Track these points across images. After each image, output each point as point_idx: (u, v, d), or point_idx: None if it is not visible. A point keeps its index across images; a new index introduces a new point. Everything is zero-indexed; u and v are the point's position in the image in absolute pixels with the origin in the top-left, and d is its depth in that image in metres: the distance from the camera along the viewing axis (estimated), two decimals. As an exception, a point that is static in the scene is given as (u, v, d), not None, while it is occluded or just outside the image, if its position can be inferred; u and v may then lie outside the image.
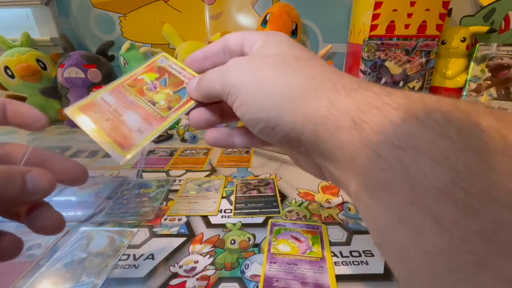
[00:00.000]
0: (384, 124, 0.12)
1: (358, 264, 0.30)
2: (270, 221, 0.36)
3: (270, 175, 0.47)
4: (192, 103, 0.22)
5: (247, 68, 0.17)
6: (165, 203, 0.40)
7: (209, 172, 0.49)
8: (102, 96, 0.21)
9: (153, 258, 0.31)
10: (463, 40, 0.63)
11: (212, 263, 0.30)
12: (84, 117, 0.20)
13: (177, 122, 0.64)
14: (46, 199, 0.18)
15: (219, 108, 0.22)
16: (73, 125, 0.73)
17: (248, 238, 0.33)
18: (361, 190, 0.13)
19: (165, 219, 0.37)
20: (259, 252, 0.31)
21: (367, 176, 0.12)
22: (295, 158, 0.20)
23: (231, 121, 0.23)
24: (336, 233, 0.34)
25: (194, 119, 0.21)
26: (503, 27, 0.69)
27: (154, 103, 0.21)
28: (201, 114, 0.21)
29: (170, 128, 0.64)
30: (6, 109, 0.19)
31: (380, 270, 0.29)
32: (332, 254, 0.31)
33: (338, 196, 0.41)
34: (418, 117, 0.11)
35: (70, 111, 0.20)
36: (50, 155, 0.19)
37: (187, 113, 0.21)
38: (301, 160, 0.19)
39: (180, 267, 0.30)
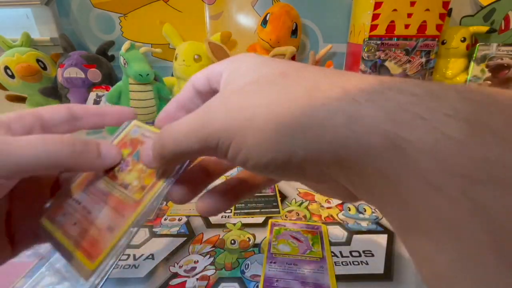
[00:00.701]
0: (439, 142, 0.08)
1: (358, 264, 0.30)
2: (270, 221, 0.36)
3: (270, 175, 0.47)
4: (166, 179, 0.17)
5: (227, 108, 0.13)
6: (165, 203, 0.40)
7: (209, 172, 0.49)
8: (73, 192, 0.18)
9: (153, 258, 0.31)
10: (463, 40, 0.63)
11: (212, 263, 0.30)
12: (53, 225, 0.18)
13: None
14: None
15: (202, 168, 0.19)
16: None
17: (248, 238, 0.33)
18: (411, 228, 0.10)
19: (165, 219, 0.37)
20: (259, 252, 0.31)
21: (420, 213, 0.09)
22: (319, 190, 0.17)
23: (222, 175, 0.19)
24: (336, 233, 0.34)
25: (200, 210, 0.18)
26: (503, 27, 0.69)
27: (126, 186, 0.17)
28: (207, 203, 0.18)
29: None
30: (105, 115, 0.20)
31: (380, 270, 0.29)
32: (332, 254, 0.31)
33: (338, 196, 0.41)
34: (495, 130, 0.08)
35: (43, 223, 0.18)
36: (106, 109, 0.21)
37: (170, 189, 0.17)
38: (328, 191, 0.16)
39: (180, 267, 0.30)
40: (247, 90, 0.13)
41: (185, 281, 0.28)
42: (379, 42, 0.58)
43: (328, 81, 0.12)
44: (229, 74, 0.15)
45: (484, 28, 0.65)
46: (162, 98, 0.72)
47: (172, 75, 0.77)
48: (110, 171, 0.18)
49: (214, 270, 0.29)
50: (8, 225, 0.19)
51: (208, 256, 0.31)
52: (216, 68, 0.16)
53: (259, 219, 0.37)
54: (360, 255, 0.31)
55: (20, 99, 0.74)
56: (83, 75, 0.68)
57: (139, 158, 0.18)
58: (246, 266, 0.30)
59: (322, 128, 0.11)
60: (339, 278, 0.28)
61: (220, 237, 0.34)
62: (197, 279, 0.28)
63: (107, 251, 0.16)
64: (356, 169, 0.11)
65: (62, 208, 0.18)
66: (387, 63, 0.59)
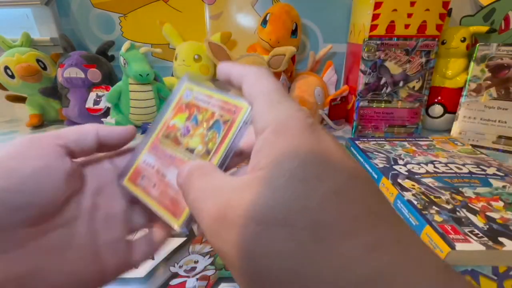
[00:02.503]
0: None
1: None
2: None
3: (270, 175, 0.47)
4: (232, 135, 0.17)
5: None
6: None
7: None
8: (144, 158, 0.20)
9: (153, 258, 0.31)
10: (463, 40, 0.63)
11: (212, 263, 0.30)
12: (136, 187, 0.19)
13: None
14: None
15: None
16: (73, 125, 0.73)
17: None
18: None
19: (165, 219, 0.37)
20: (259, 252, 0.31)
21: None
22: None
23: None
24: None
25: None
26: (503, 27, 0.69)
27: (192, 151, 0.18)
28: None
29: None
30: (99, 134, 0.19)
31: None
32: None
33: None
34: None
35: (125, 185, 0.20)
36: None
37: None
38: None
39: (180, 267, 0.30)
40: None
41: (185, 281, 0.28)
42: (379, 42, 0.58)
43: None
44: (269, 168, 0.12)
45: (484, 28, 0.65)
46: (162, 98, 0.72)
47: (172, 75, 0.78)
48: (173, 137, 0.19)
49: (214, 270, 0.29)
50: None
51: (208, 256, 0.31)
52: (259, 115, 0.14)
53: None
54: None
55: (20, 99, 0.74)
56: (83, 75, 0.68)
57: (197, 122, 0.19)
58: (246, 266, 0.30)
59: None
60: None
61: (220, 237, 0.34)
62: (197, 279, 0.28)
63: (188, 210, 0.17)
64: None
65: (139, 172, 0.19)
66: (387, 63, 0.59)
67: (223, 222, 0.12)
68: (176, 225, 0.17)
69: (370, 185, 0.12)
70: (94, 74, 0.69)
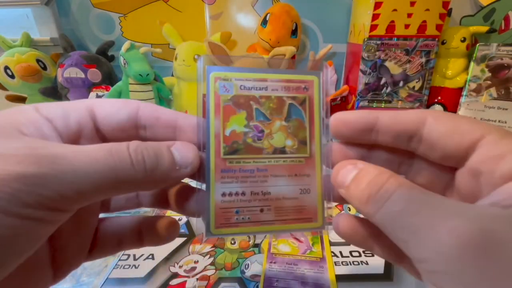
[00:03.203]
0: None
1: (358, 264, 0.30)
2: (270, 221, 0.36)
3: (270, 175, 0.47)
4: (318, 114, 0.15)
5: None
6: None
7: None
8: (219, 192, 0.16)
9: (153, 258, 0.31)
10: (463, 40, 0.63)
11: (212, 263, 0.30)
12: (234, 228, 0.16)
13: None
14: None
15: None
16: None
17: (248, 238, 0.33)
18: None
19: (165, 219, 0.37)
20: (259, 252, 0.31)
21: None
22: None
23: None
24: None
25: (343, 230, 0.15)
26: (503, 27, 0.69)
27: (282, 151, 0.16)
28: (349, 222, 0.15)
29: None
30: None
31: (380, 270, 0.29)
32: (332, 254, 0.31)
33: (338, 196, 0.41)
34: None
35: (218, 234, 0.16)
36: (180, 122, 0.16)
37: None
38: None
39: (180, 267, 0.30)
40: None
41: (185, 281, 0.28)
42: (379, 42, 0.58)
43: None
44: None
45: (484, 28, 0.65)
46: (162, 98, 0.72)
47: (172, 75, 0.77)
48: (244, 147, 0.16)
49: (214, 270, 0.29)
50: (53, 248, 0.15)
51: (208, 256, 0.31)
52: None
53: (259, 219, 0.37)
54: (360, 255, 0.31)
55: (20, 99, 0.74)
56: (83, 75, 0.68)
57: (267, 117, 0.16)
58: (246, 266, 0.30)
59: None
60: (339, 278, 0.28)
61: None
62: (197, 279, 0.28)
63: (319, 206, 0.16)
64: None
65: (225, 210, 0.16)
66: (387, 63, 0.59)
67: (480, 252, 0.10)
68: (320, 225, 0.16)
69: None
70: (94, 74, 0.69)
